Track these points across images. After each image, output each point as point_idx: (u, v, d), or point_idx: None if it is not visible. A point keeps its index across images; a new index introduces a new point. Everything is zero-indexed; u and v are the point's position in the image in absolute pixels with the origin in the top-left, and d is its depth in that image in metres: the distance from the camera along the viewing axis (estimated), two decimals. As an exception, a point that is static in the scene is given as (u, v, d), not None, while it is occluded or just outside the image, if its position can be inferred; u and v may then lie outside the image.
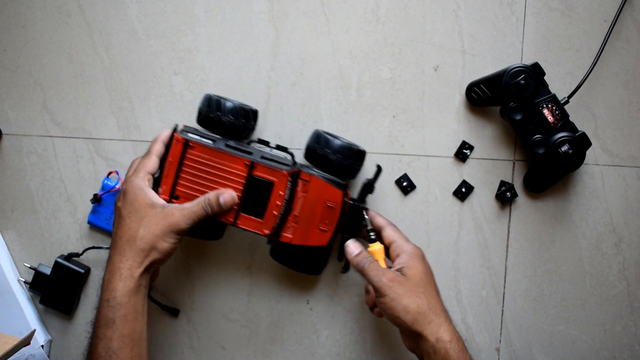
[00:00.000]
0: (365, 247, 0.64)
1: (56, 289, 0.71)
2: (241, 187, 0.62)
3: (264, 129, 0.72)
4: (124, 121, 0.73)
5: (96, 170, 0.73)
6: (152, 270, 0.61)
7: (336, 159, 0.63)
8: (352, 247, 0.64)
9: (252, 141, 0.65)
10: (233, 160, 0.62)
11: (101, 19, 0.72)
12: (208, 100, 0.64)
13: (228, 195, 0.61)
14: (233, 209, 0.63)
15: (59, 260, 0.71)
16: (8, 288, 0.71)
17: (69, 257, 0.72)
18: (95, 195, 0.71)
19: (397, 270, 0.61)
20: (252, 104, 0.72)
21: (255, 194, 0.63)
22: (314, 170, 0.64)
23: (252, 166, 0.62)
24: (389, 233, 0.65)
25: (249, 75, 0.72)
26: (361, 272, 0.62)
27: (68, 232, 0.74)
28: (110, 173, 0.72)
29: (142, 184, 0.60)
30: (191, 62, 0.72)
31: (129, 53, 0.72)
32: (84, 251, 0.72)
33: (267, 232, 0.63)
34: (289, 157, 0.64)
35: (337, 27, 0.71)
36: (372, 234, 0.64)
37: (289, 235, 0.64)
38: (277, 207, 0.63)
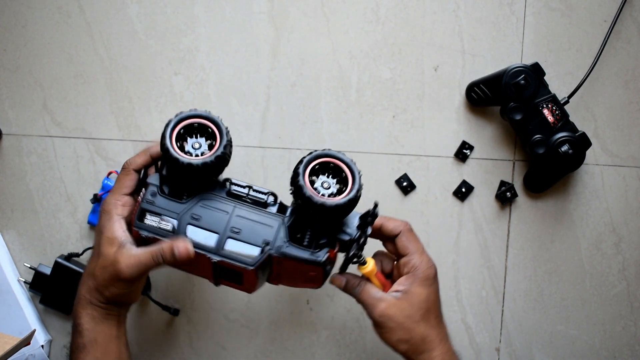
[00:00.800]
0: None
1: (56, 289, 0.71)
2: (210, 271, 0.56)
3: (264, 129, 0.72)
4: (124, 121, 0.73)
5: (96, 170, 0.73)
6: (118, 302, 0.58)
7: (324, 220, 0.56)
8: (337, 281, 0.60)
9: (225, 188, 0.58)
10: (196, 256, 0.55)
11: (101, 19, 0.72)
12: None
13: (183, 248, 0.54)
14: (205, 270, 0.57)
15: (59, 260, 0.71)
16: (8, 288, 0.71)
17: (69, 257, 0.72)
18: (95, 195, 0.71)
19: (399, 291, 0.57)
20: (252, 103, 0.72)
21: (227, 275, 0.57)
22: (289, 248, 0.56)
23: (216, 265, 0.55)
24: (403, 244, 0.59)
25: (249, 75, 0.72)
26: (356, 299, 0.59)
27: (68, 232, 0.74)
28: (110, 173, 0.72)
29: (112, 209, 0.56)
30: (191, 62, 0.72)
31: (129, 53, 0.72)
32: (84, 251, 0.72)
33: (252, 291, 0.58)
34: (270, 211, 0.57)
35: (337, 27, 0.71)
36: (361, 258, 0.58)
37: (276, 283, 0.60)
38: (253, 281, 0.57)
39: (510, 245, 0.72)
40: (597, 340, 0.73)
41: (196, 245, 0.55)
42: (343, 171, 0.56)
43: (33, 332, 0.67)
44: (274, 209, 0.58)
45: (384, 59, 0.71)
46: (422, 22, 0.71)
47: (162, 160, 0.59)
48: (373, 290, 0.58)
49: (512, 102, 0.66)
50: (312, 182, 0.56)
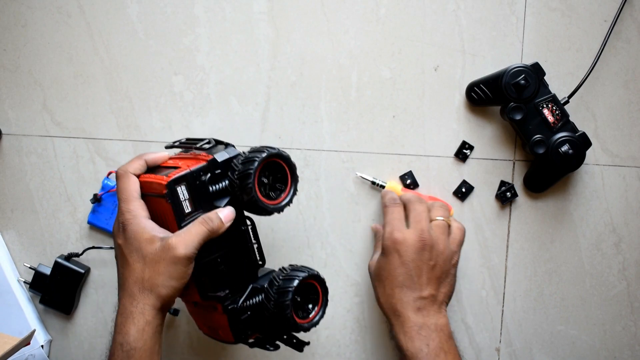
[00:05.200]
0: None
1: (56, 289, 0.71)
2: None
3: (264, 129, 0.72)
4: (124, 121, 0.73)
5: (96, 170, 0.73)
6: (168, 307, 0.57)
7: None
8: (389, 193, 0.69)
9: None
10: None
11: (101, 19, 0.72)
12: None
13: (228, 210, 0.57)
14: None
15: (59, 260, 0.71)
16: (8, 288, 0.71)
17: (69, 257, 0.72)
18: (95, 195, 0.71)
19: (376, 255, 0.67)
20: (252, 103, 0.72)
21: None
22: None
23: None
24: (407, 204, 0.67)
25: (249, 75, 0.72)
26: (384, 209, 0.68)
27: (68, 232, 0.74)
28: (110, 173, 0.72)
29: (139, 213, 0.55)
30: (191, 62, 0.72)
31: (129, 53, 0.72)
32: (84, 251, 0.72)
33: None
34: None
35: (337, 27, 0.71)
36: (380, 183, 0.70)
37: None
38: None
39: (510, 245, 0.72)
40: (597, 340, 0.73)
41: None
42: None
43: (33, 332, 0.67)
44: None
45: (384, 59, 0.71)
46: (422, 22, 0.71)
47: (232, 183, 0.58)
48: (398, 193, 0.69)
49: (512, 102, 0.66)
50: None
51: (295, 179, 0.59)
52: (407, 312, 0.62)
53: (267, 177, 0.58)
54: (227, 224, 0.56)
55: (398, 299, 0.63)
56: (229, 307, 0.58)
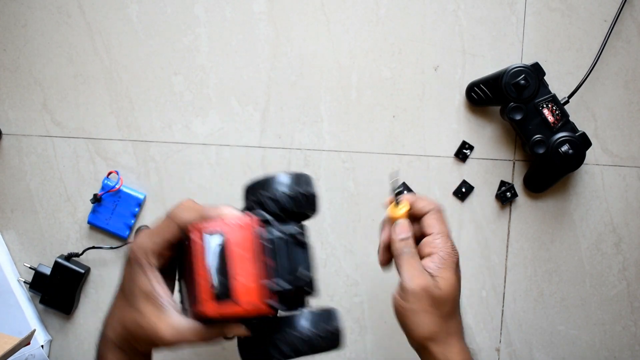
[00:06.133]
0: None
1: (56, 289, 0.71)
2: None
3: (264, 129, 0.72)
4: (124, 121, 0.73)
5: (96, 170, 0.73)
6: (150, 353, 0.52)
7: None
8: (401, 229, 0.54)
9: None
10: None
11: (101, 19, 0.72)
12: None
13: (237, 329, 0.49)
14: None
15: (59, 260, 0.71)
16: (8, 288, 0.71)
17: (69, 257, 0.72)
18: (95, 195, 0.71)
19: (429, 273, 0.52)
20: (252, 103, 0.72)
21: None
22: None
23: None
24: (430, 222, 0.54)
25: (249, 75, 0.72)
26: (396, 259, 0.53)
27: (68, 232, 0.74)
28: (110, 173, 0.72)
29: (146, 252, 0.48)
30: (191, 62, 0.72)
31: (129, 53, 0.72)
32: (84, 251, 0.72)
33: None
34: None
35: (337, 27, 0.71)
36: (399, 197, 0.55)
37: None
38: None
39: (510, 245, 0.72)
40: (597, 340, 0.73)
41: None
42: None
43: (33, 332, 0.67)
44: None
45: (384, 59, 0.71)
46: (422, 22, 0.71)
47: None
48: (418, 262, 0.53)
49: (512, 102, 0.66)
50: None
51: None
52: (463, 335, 0.55)
53: None
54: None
55: (461, 320, 0.56)
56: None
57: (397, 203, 0.55)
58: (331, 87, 0.72)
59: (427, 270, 0.52)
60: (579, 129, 0.67)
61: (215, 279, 0.44)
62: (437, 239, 0.53)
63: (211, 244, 0.45)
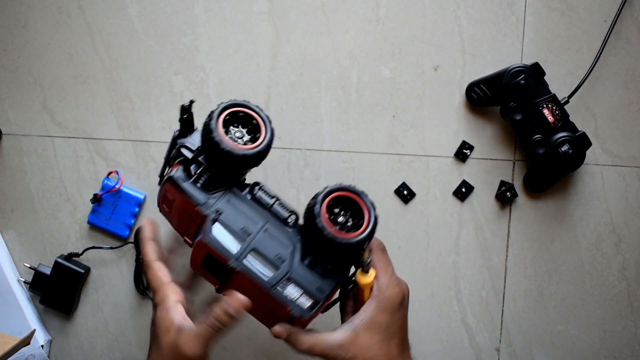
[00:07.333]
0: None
1: (56, 289, 0.71)
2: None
3: (264, 129, 0.72)
4: (124, 121, 0.73)
5: (96, 170, 0.73)
6: None
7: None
8: (279, 330, 0.55)
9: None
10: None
11: (101, 19, 0.72)
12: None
13: (236, 302, 0.52)
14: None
15: (59, 260, 0.71)
16: (8, 288, 0.71)
17: (69, 257, 0.72)
18: (95, 195, 0.71)
19: (362, 320, 0.53)
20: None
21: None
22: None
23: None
24: (373, 261, 0.55)
25: (249, 75, 0.72)
26: (303, 351, 0.54)
27: (68, 232, 0.74)
28: (110, 173, 0.72)
29: (167, 297, 0.54)
30: (191, 62, 0.72)
31: (129, 53, 0.72)
32: (84, 251, 0.72)
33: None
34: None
35: (337, 27, 0.71)
36: (366, 264, 0.54)
37: None
38: None
39: (510, 245, 0.72)
40: (597, 340, 0.73)
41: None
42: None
43: (33, 332, 0.67)
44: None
45: (384, 59, 0.71)
46: (422, 22, 0.71)
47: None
48: (326, 337, 0.54)
49: (512, 102, 0.66)
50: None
51: None
52: None
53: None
54: (238, 316, 0.52)
55: (406, 355, 0.55)
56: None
57: (367, 271, 0.54)
58: (331, 87, 0.72)
59: (362, 317, 0.54)
60: (579, 129, 0.67)
61: None
62: (380, 282, 0.54)
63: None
